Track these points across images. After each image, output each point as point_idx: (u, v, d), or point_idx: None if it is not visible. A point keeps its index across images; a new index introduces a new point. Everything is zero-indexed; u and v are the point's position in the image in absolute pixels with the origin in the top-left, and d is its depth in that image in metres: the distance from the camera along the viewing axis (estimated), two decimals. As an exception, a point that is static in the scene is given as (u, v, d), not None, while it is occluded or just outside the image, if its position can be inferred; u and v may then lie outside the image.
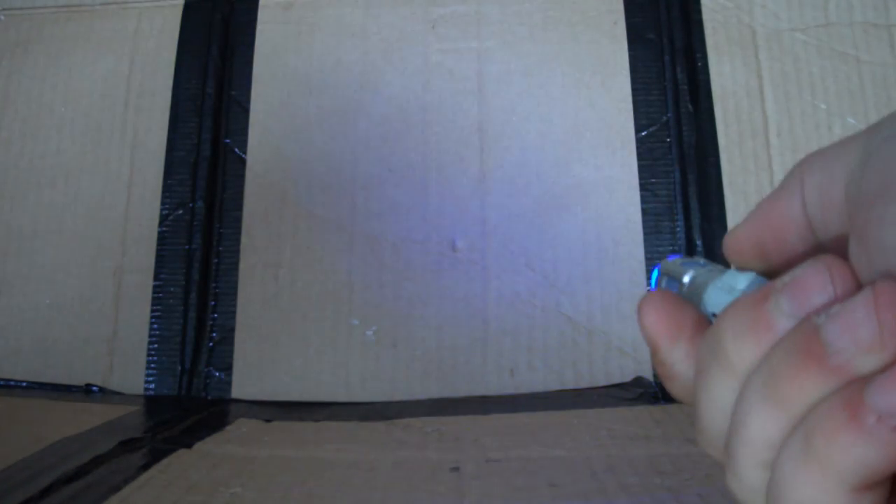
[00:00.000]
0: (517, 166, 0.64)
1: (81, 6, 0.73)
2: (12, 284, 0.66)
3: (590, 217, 0.63)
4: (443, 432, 0.50)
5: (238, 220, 0.65)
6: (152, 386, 0.62)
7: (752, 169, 0.63)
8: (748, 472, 0.18)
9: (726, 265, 0.23)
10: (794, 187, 0.21)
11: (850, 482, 0.16)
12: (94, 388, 0.62)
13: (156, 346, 0.63)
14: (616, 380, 0.60)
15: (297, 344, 0.62)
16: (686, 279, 0.23)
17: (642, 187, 0.64)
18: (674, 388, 0.22)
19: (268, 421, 0.54)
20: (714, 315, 0.21)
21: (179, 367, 0.62)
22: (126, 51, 0.70)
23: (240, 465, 0.44)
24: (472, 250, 0.63)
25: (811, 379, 0.17)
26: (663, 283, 0.24)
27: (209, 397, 0.62)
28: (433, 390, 0.60)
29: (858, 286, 0.18)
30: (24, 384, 0.63)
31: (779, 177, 0.63)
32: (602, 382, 0.60)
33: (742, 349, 0.18)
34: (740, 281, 0.21)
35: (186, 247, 0.65)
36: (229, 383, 0.62)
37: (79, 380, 0.63)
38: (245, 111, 0.68)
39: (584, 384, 0.60)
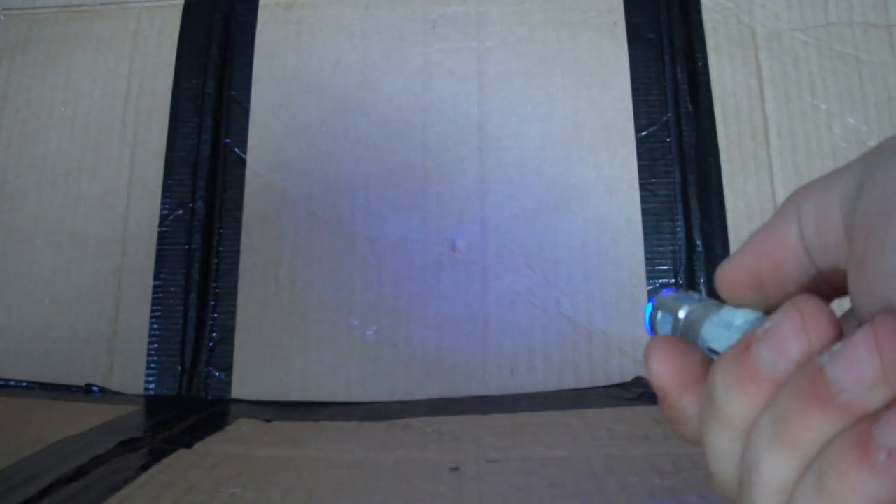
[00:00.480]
0: (517, 166, 0.64)
1: (81, 6, 0.73)
2: (12, 284, 0.66)
3: (590, 217, 0.63)
4: (443, 432, 0.50)
5: (238, 220, 0.65)
6: (152, 386, 0.62)
7: (752, 169, 0.63)
8: None
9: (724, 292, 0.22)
10: (789, 216, 0.20)
11: None
12: (94, 388, 0.62)
13: (156, 346, 0.63)
14: (616, 380, 0.60)
15: (297, 344, 0.62)
16: (682, 314, 0.22)
17: (642, 187, 0.64)
18: (685, 433, 0.22)
19: (268, 421, 0.54)
20: (711, 350, 0.21)
21: (179, 367, 0.62)
22: (126, 51, 0.70)
23: (240, 465, 0.44)
24: (472, 250, 0.63)
25: (820, 419, 0.17)
26: (658, 317, 0.23)
27: (209, 397, 0.62)
28: (433, 390, 0.60)
29: (837, 325, 0.18)
30: (24, 384, 0.63)
31: (779, 177, 0.63)
32: (602, 382, 0.60)
33: (734, 401, 0.19)
34: (737, 317, 0.21)
35: (186, 247, 0.65)
36: (229, 383, 0.62)
37: (79, 380, 0.63)
38: (245, 111, 0.68)
39: (584, 384, 0.60)
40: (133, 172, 0.67)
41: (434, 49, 0.68)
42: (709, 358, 0.21)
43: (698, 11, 0.67)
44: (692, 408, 0.21)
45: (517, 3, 0.69)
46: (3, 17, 0.73)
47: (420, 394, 0.60)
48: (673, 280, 0.62)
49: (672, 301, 0.23)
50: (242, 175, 0.66)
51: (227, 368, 0.62)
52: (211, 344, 0.63)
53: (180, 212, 0.66)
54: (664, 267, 0.62)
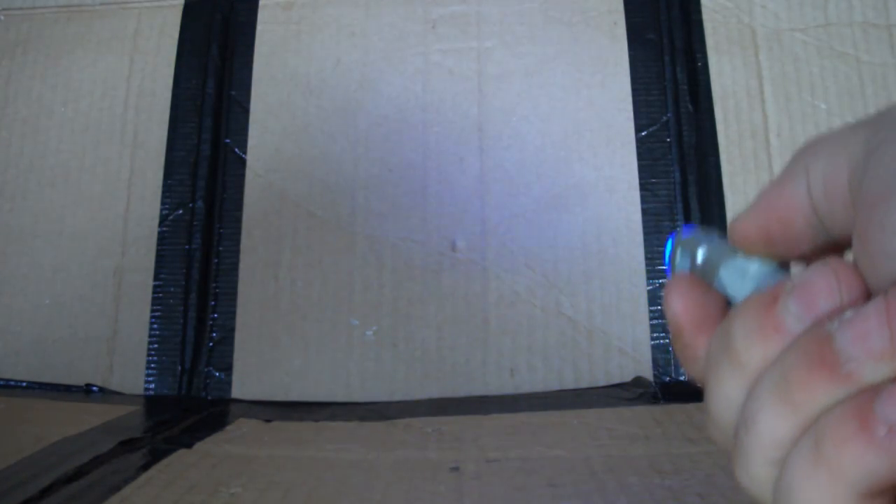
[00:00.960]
0: (517, 166, 0.64)
1: (81, 6, 0.73)
2: (12, 284, 0.66)
3: (590, 217, 0.63)
4: (443, 432, 0.50)
5: (238, 220, 0.65)
6: (152, 386, 0.62)
7: (752, 169, 0.63)
8: (756, 468, 0.19)
9: None
10: (798, 175, 0.21)
11: (858, 489, 0.17)
12: (94, 388, 0.62)
13: (156, 346, 0.63)
14: (616, 380, 0.60)
15: (297, 344, 0.62)
16: (700, 256, 0.23)
17: (642, 187, 0.64)
18: (694, 370, 0.22)
19: (268, 421, 0.54)
20: (726, 296, 0.21)
21: (179, 367, 0.62)
22: (126, 51, 0.70)
23: (240, 465, 0.44)
24: (472, 250, 0.63)
25: (823, 384, 0.17)
26: (678, 256, 0.24)
27: (209, 397, 0.62)
28: (433, 390, 0.60)
29: (865, 291, 0.18)
30: (24, 384, 0.63)
31: (779, 177, 0.63)
32: (602, 382, 0.60)
33: (752, 349, 0.19)
34: (751, 266, 0.21)
35: (186, 247, 0.65)
36: (229, 383, 0.62)
37: (79, 380, 0.63)
38: (245, 111, 0.68)
39: (584, 384, 0.60)
40: (133, 172, 0.67)
41: (434, 49, 0.68)
42: (726, 301, 0.22)
43: (698, 11, 0.67)
44: (705, 346, 0.21)
45: (517, 3, 0.69)
46: (3, 17, 0.73)
47: (420, 394, 0.60)
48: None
49: (691, 240, 0.23)
50: (242, 175, 0.66)
51: (227, 368, 0.62)
52: (211, 344, 0.63)
53: (180, 212, 0.66)
54: (664, 267, 0.62)
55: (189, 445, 0.47)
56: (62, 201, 0.67)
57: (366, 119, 0.66)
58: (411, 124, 0.66)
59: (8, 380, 0.63)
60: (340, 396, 0.61)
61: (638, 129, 0.65)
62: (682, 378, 0.59)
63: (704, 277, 0.22)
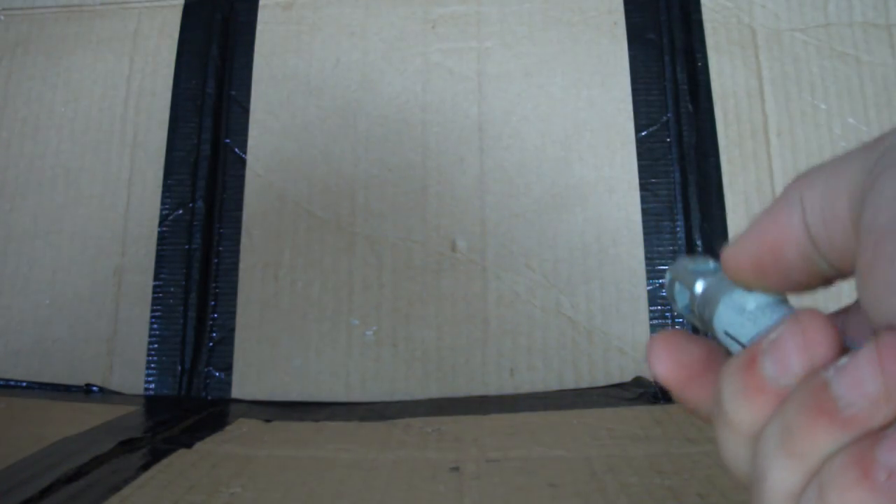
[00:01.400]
0: (517, 166, 0.64)
1: (81, 6, 0.73)
2: (12, 284, 0.66)
3: (590, 217, 0.63)
4: (443, 432, 0.50)
5: (238, 220, 0.65)
6: (152, 386, 0.62)
7: (752, 169, 0.63)
8: None
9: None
10: (792, 204, 0.20)
11: None
12: (94, 388, 0.62)
13: (156, 346, 0.63)
14: (616, 380, 0.60)
15: (297, 344, 0.62)
16: (698, 290, 0.23)
17: (642, 187, 0.64)
18: (700, 417, 0.23)
19: (268, 421, 0.54)
20: (727, 333, 0.21)
21: (179, 367, 0.62)
22: (126, 51, 0.70)
23: (240, 465, 0.44)
24: (472, 250, 0.63)
25: (824, 432, 0.17)
26: (676, 288, 0.24)
27: (209, 397, 0.62)
28: (433, 390, 0.60)
29: (840, 342, 0.18)
30: (24, 384, 0.63)
31: (779, 177, 0.63)
32: (602, 382, 0.60)
33: (740, 411, 0.19)
34: (749, 301, 0.21)
35: (186, 247, 0.65)
36: (229, 383, 0.62)
37: (79, 380, 0.63)
38: (245, 111, 0.68)
39: (584, 384, 0.60)
40: (133, 172, 0.67)
41: (434, 49, 0.68)
42: (710, 350, 0.22)
43: (698, 11, 0.67)
44: (696, 401, 0.22)
45: (517, 3, 0.69)
46: (3, 17, 0.73)
47: (420, 394, 0.60)
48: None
49: (688, 272, 0.23)
50: (242, 175, 0.66)
51: (227, 368, 0.62)
52: (211, 344, 0.63)
53: (180, 212, 0.66)
54: (664, 267, 0.62)
55: (189, 445, 0.47)
56: (62, 201, 0.67)
57: (366, 119, 0.67)
58: (411, 124, 0.66)
59: (8, 380, 0.63)
60: (340, 396, 0.61)
61: (638, 129, 0.65)
62: (682, 378, 0.59)
63: (704, 311, 0.22)
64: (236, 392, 0.62)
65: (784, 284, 0.21)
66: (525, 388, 0.60)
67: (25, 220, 0.67)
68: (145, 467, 0.43)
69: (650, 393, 0.57)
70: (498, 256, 0.63)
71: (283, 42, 0.69)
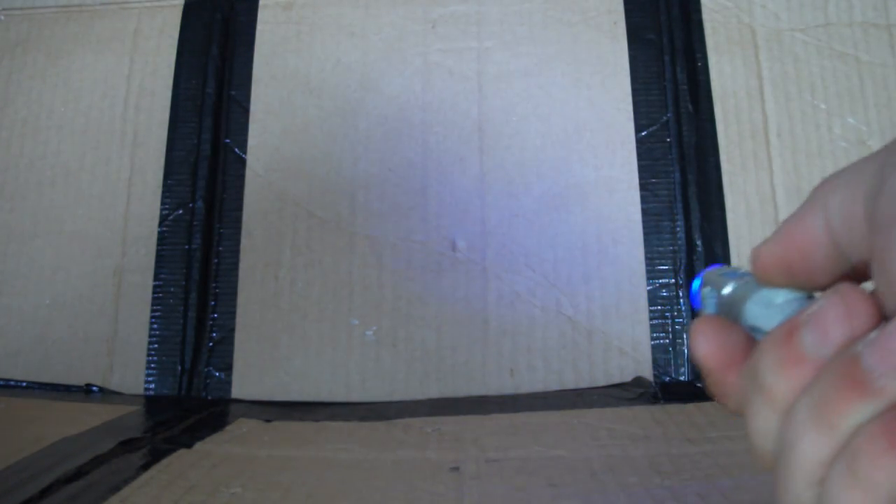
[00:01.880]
0: (517, 166, 0.64)
1: (81, 6, 0.73)
2: (12, 284, 0.66)
3: (590, 217, 0.63)
4: (443, 432, 0.50)
5: (238, 220, 0.65)
6: (152, 386, 0.62)
7: (752, 169, 0.63)
8: (799, 490, 0.20)
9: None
10: (816, 207, 0.21)
11: (893, 501, 0.17)
12: (94, 388, 0.62)
13: (156, 346, 0.63)
14: (616, 380, 0.60)
15: (297, 344, 0.62)
16: (726, 291, 0.23)
17: (642, 187, 0.64)
18: (729, 405, 0.23)
19: (268, 421, 0.54)
20: (753, 327, 0.22)
21: (179, 367, 0.62)
22: (126, 51, 0.70)
23: (240, 465, 0.44)
24: (472, 250, 0.63)
25: (856, 403, 0.18)
26: (705, 292, 0.25)
27: (209, 397, 0.62)
28: (433, 390, 0.60)
29: (878, 312, 0.19)
30: (24, 384, 0.63)
31: (779, 177, 0.63)
32: (602, 382, 0.60)
33: (779, 380, 0.20)
34: (778, 296, 0.22)
35: (186, 247, 0.65)
36: (229, 383, 0.62)
37: (79, 380, 0.63)
38: (245, 111, 0.68)
39: (584, 384, 0.60)
40: (133, 172, 0.67)
41: (434, 49, 0.68)
42: (750, 337, 0.22)
43: (698, 11, 0.67)
44: (735, 384, 0.22)
45: (517, 3, 0.69)
46: (3, 17, 0.73)
47: (420, 394, 0.60)
48: (672, 280, 0.62)
49: (718, 277, 0.24)
50: (242, 175, 0.66)
51: (227, 368, 0.62)
52: (211, 344, 0.63)
53: (180, 212, 0.66)
54: (664, 267, 0.62)
55: (189, 445, 0.47)
56: (62, 201, 0.67)
57: (366, 119, 0.67)
58: (411, 124, 0.66)
59: (8, 380, 0.63)
60: (340, 396, 0.61)
61: (638, 129, 0.65)
62: (682, 378, 0.60)
63: (731, 311, 0.23)
64: (236, 392, 0.62)
65: (810, 284, 0.22)
66: (525, 388, 0.60)
67: (25, 220, 0.67)
68: (145, 467, 0.43)
69: (650, 393, 0.57)
70: (498, 256, 0.63)
71: (283, 42, 0.69)
